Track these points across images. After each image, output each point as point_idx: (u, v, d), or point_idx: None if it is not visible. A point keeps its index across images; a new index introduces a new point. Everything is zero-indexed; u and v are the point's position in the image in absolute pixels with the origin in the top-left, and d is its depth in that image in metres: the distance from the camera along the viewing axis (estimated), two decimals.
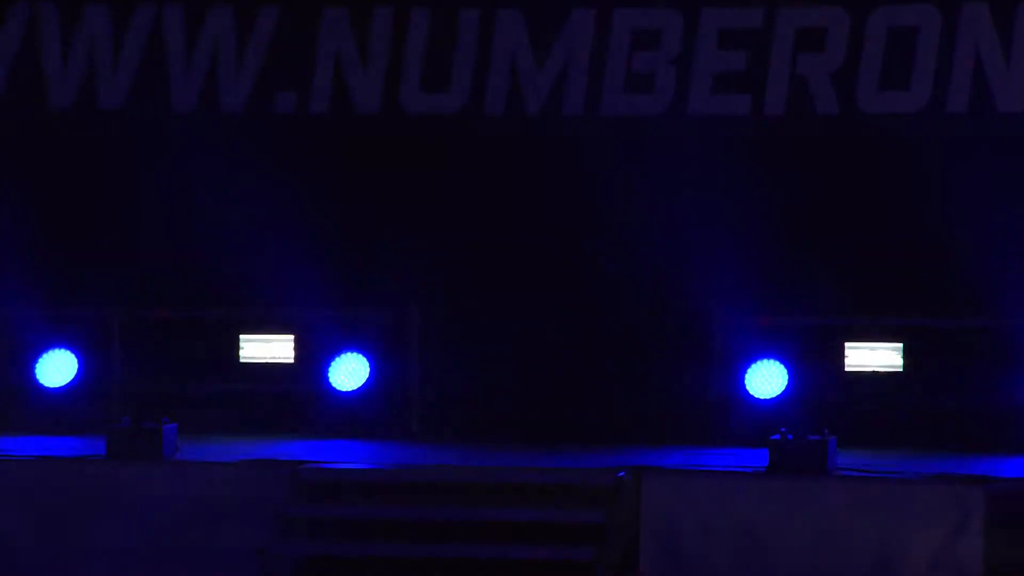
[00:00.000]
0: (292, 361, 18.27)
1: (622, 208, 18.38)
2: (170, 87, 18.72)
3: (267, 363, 18.33)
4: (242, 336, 18.31)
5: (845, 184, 18.15)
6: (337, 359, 18.05)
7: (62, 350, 18.17)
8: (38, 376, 18.14)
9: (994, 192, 17.88)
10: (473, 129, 18.45)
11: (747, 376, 17.57)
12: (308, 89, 18.59)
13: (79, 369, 18.19)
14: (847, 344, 17.75)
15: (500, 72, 18.44)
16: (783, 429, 16.45)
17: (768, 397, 17.56)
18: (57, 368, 18.17)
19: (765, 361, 17.57)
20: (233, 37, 18.68)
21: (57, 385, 18.16)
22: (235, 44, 18.67)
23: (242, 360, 18.31)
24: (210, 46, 18.69)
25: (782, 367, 17.56)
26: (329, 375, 18.04)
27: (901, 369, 17.69)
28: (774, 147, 18.17)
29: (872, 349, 17.74)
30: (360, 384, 18.05)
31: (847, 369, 17.73)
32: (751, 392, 17.58)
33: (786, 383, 17.54)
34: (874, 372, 17.76)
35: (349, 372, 18.04)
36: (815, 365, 17.74)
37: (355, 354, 18.05)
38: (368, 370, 18.04)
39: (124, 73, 18.77)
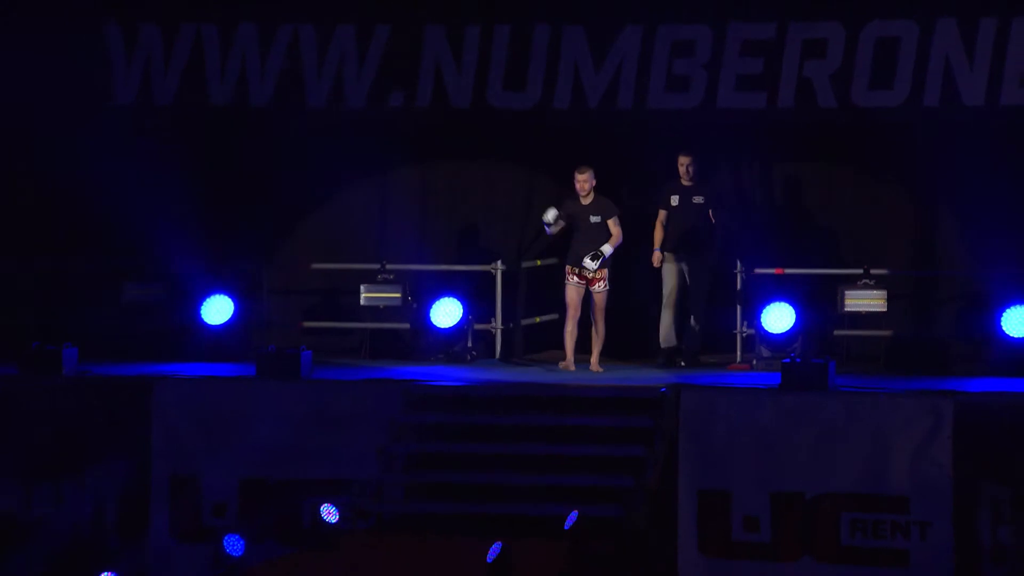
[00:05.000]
0: (401, 305, 18.32)
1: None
2: (305, 88, 18.77)
3: (381, 306, 18.39)
4: (362, 285, 18.39)
5: (842, 163, 18.09)
6: (436, 303, 18.08)
7: (222, 295, 18.21)
8: (203, 316, 18.18)
9: (962, 168, 17.78)
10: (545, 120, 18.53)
11: (763, 315, 17.56)
12: (414, 88, 18.62)
13: (235, 310, 18.22)
14: (843, 289, 17.73)
15: (566, 75, 18.42)
16: (792, 355, 16.48)
17: (781, 332, 17.54)
18: (218, 310, 18.20)
19: (778, 303, 17.55)
20: (355, 48, 18.70)
21: (218, 323, 18.20)
22: (356, 53, 18.67)
23: (362, 304, 18.38)
24: (337, 55, 18.70)
25: (791, 308, 17.53)
26: (430, 315, 18.04)
27: (886, 310, 17.66)
28: (786, 133, 18.12)
29: (863, 293, 17.71)
30: (455, 323, 18.09)
31: (843, 310, 17.71)
32: (767, 328, 17.57)
33: (795, 321, 17.51)
34: (865, 312, 17.75)
35: (446, 313, 18.08)
36: (818, 306, 17.71)
37: (451, 298, 18.09)
38: (462, 311, 18.07)
39: (269, 77, 18.80)
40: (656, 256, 17.68)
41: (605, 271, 16.94)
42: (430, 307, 18.03)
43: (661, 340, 17.74)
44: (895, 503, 15.47)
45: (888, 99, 17.94)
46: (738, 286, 17.79)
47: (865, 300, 17.65)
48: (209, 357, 17.89)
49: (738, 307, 17.79)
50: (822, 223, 18.12)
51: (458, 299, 18.01)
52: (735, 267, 17.76)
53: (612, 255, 16.93)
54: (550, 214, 16.91)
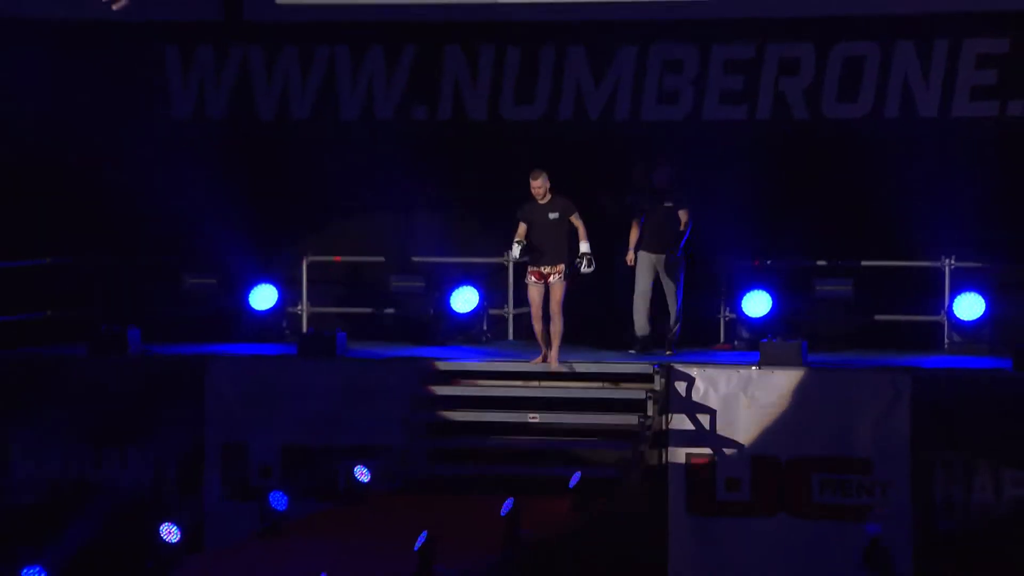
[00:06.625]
0: (424, 293, 18.35)
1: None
2: (339, 102, 18.83)
3: (407, 294, 18.39)
4: (390, 275, 18.41)
5: (813, 167, 18.08)
6: (456, 290, 18.09)
7: (267, 284, 18.25)
8: (251, 303, 18.23)
9: (918, 171, 17.82)
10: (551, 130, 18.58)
11: (743, 301, 17.61)
12: (436, 102, 18.68)
13: (278, 297, 18.28)
14: (814, 278, 17.76)
15: (570, 90, 18.45)
16: (769, 335, 16.55)
17: (759, 316, 17.57)
18: (263, 297, 18.25)
19: (756, 291, 17.59)
20: (383, 67, 18.76)
21: (263, 308, 18.24)
22: (385, 71, 18.71)
23: (390, 292, 18.37)
24: (368, 73, 18.76)
25: (768, 295, 17.57)
26: (450, 302, 18.07)
27: (852, 296, 17.69)
28: (763, 141, 18.12)
29: (831, 281, 17.74)
30: (471, 308, 18.11)
31: (814, 296, 17.74)
32: (746, 313, 17.61)
33: (771, 306, 17.54)
34: (833, 298, 17.77)
35: (464, 299, 18.11)
36: (792, 293, 17.75)
37: (469, 287, 18.12)
38: (478, 298, 18.10)
39: (309, 93, 18.85)
40: (629, 256, 17.11)
41: (561, 266, 16.02)
42: (450, 294, 18.04)
43: (636, 330, 17.20)
44: (860, 465, 15.61)
45: (854, 111, 17.99)
46: (720, 276, 17.81)
47: (834, 287, 17.70)
48: (256, 339, 17.97)
49: (721, 294, 17.80)
50: (796, 220, 18.11)
51: (475, 287, 18.02)
52: (717, 259, 17.77)
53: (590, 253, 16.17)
54: (516, 251, 16.23)
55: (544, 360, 16.33)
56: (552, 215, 16.09)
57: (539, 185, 16.09)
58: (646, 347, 17.10)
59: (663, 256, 17.13)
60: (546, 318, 16.23)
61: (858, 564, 13.98)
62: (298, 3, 18.70)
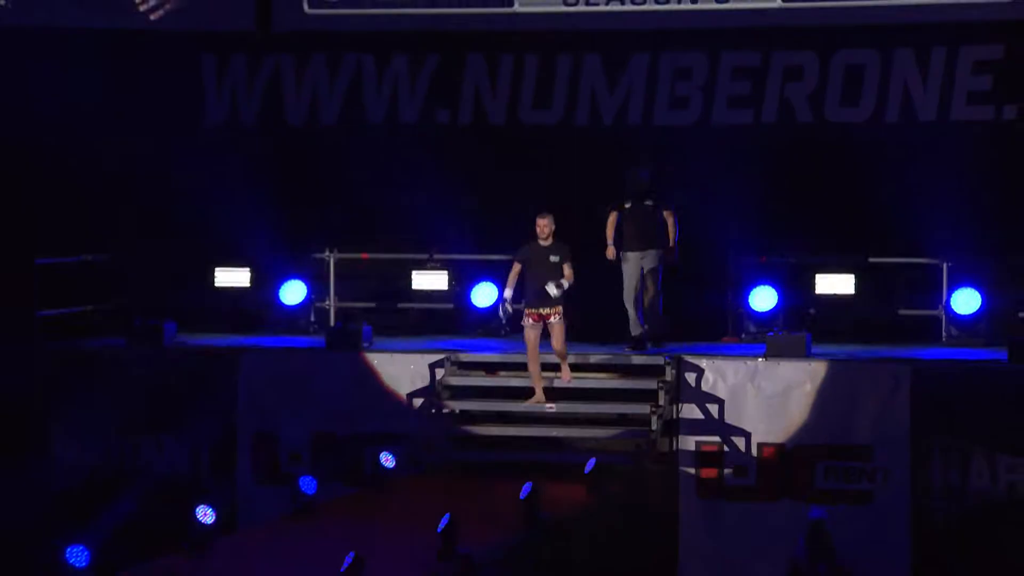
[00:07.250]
0: (446, 288, 18.50)
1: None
2: (366, 106, 18.96)
3: (429, 290, 18.50)
4: (413, 271, 18.57)
5: (817, 168, 18.10)
6: (476, 286, 18.17)
7: (296, 280, 18.37)
8: (281, 298, 18.34)
9: (917, 173, 17.86)
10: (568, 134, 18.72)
11: (750, 295, 17.72)
12: (457, 107, 18.78)
13: (307, 293, 18.38)
14: (817, 274, 17.86)
15: (585, 96, 18.54)
16: (775, 328, 16.62)
17: (765, 310, 17.68)
18: (293, 292, 18.36)
19: (763, 286, 17.72)
20: (407, 73, 18.86)
21: (293, 303, 18.35)
22: (409, 78, 18.83)
23: (413, 288, 18.51)
24: (392, 79, 18.86)
25: (773, 290, 17.69)
26: (471, 297, 18.17)
27: (854, 291, 17.80)
28: (769, 144, 18.18)
29: (834, 277, 17.85)
30: (491, 303, 18.19)
31: (817, 291, 17.84)
32: (753, 307, 17.73)
33: (777, 301, 17.64)
34: (835, 293, 17.88)
35: (484, 295, 18.18)
36: (796, 288, 17.83)
37: (488, 282, 18.23)
38: (497, 293, 18.17)
39: (336, 99, 18.97)
40: (610, 251, 16.74)
41: (560, 307, 15.70)
42: (470, 290, 18.13)
43: (631, 329, 16.82)
44: (861, 452, 15.71)
45: (855, 115, 18.07)
46: (728, 271, 17.90)
47: (836, 283, 17.78)
48: (285, 331, 18.10)
49: (729, 289, 17.87)
50: (800, 219, 18.15)
51: (494, 283, 18.05)
52: (726, 256, 17.88)
53: (565, 290, 15.74)
54: (505, 311, 16.20)
55: (536, 399, 15.84)
56: (552, 258, 15.74)
57: (545, 224, 15.79)
58: (641, 345, 16.77)
59: (647, 252, 16.75)
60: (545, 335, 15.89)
61: (803, 547, 14.08)
62: (326, 13, 18.85)
